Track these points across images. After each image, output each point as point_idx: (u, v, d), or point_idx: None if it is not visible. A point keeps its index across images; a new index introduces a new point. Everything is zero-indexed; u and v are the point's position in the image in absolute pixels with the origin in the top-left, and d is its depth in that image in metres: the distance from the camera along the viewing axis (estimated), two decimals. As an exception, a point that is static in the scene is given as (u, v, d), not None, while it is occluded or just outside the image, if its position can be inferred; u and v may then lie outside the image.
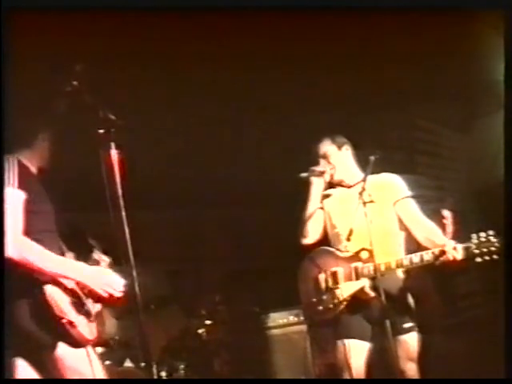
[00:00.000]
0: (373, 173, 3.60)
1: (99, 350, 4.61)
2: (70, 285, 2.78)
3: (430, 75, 4.81)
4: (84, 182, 3.92)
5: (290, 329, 5.57)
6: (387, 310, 3.38)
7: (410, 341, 3.60)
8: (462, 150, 6.03)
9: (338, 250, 3.71)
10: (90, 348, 2.81)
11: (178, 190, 5.69)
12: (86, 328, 2.78)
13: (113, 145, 2.75)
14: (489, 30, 3.91)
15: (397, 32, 3.99)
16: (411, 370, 3.58)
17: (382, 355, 3.60)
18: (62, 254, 2.88)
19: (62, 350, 2.73)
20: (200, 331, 5.50)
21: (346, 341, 3.56)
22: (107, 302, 2.92)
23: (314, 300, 3.70)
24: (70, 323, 2.69)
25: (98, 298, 2.90)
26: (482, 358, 4.43)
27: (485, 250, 3.27)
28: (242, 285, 6.31)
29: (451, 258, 3.33)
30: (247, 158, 5.59)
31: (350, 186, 3.79)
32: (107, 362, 4.59)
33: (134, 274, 2.69)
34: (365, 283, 3.56)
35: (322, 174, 3.78)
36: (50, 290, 2.69)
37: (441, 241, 3.45)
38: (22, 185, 2.72)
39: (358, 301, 3.59)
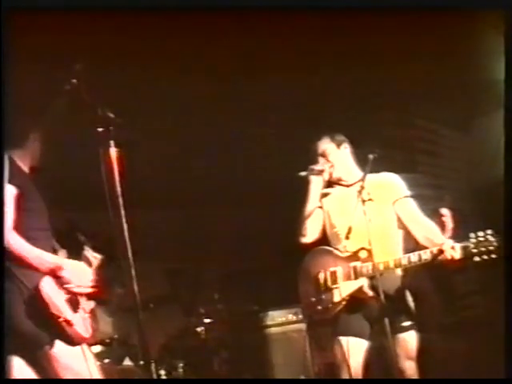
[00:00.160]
0: (372, 172, 3.59)
1: (98, 348, 4.63)
2: (65, 282, 2.77)
3: (429, 75, 4.81)
4: (83, 180, 3.92)
5: (288, 327, 5.57)
6: (386, 309, 3.39)
7: (409, 339, 3.60)
8: (461, 150, 6.02)
9: (336, 249, 3.71)
10: (85, 346, 2.81)
11: (176, 188, 5.69)
12: (81, 326, 2.77)
13: (112, 143, 2.76)
14: (489, 30, 3.92)
15: (397, 32, 3.99)
16: (410, 368, 3.59)
17: (380, 354, 3.61)
18: (55, 252, 2.88)
19: (58, 348, 2.73)
20: (199, 330, 5.49)
21: (345, 339, 3.56)
22: (97, 297, 2.92)
23: (313, 299, 3.70)
24: (66, 321, 2.69)
25: (88, 295, 2.89)
26: (482, 358, 4.44)
27: (483, 249, 3.27)
28: (241, 283, 6.32)
29: (449, 257, 3.33)
30: (246, 156, 5.59)
31: (348, 185, 3.79)
32: (106, 361, 4.60)
33: (133, 272, 2.69)
34: (363, 282, 3.56)
35: (320, 172, 3.76)
36: (46, 288, 2.69)
37: (440, 240, 3.46)
38: (14, 181, 2.71)
39: (356, 300, 3.59)
